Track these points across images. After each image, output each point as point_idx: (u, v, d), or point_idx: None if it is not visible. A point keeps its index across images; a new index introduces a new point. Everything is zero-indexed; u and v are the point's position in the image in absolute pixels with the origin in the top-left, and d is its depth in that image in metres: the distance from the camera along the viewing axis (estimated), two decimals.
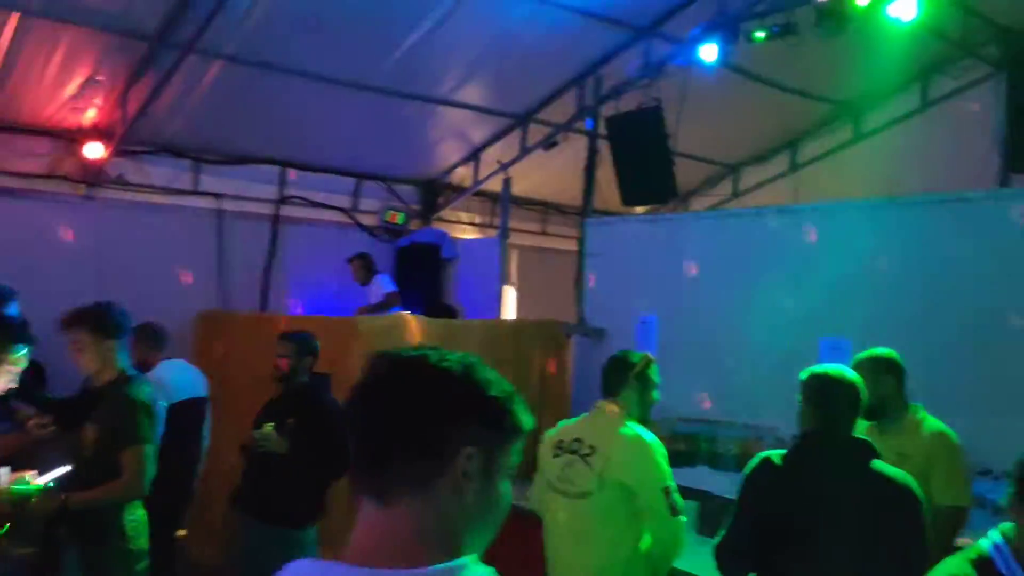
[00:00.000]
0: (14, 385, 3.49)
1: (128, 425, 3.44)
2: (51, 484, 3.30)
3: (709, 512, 4.41)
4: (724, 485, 4.70)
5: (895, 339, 4.78)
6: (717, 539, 2.89)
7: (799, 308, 5.43)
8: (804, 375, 2.79)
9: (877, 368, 3.45)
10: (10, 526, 3.25)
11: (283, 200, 7.54)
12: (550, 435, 3.53)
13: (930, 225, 4.95)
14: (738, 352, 5.68)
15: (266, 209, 7.48)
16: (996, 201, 4.80)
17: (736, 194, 9.32)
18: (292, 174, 7.52)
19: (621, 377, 3.37)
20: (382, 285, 7.38)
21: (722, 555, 2.84)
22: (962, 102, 7.56)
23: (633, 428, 3.28)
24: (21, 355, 3.51)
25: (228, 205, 7.22)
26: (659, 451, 3.24)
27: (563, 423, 3.57)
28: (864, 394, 2.75)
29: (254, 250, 7.41)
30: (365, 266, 7.54)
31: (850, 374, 2.78)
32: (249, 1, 5.37)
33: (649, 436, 3.27)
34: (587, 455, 3.27)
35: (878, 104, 8.16)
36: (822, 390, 2.72)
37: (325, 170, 7.68)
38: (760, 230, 5.88)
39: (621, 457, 3.21)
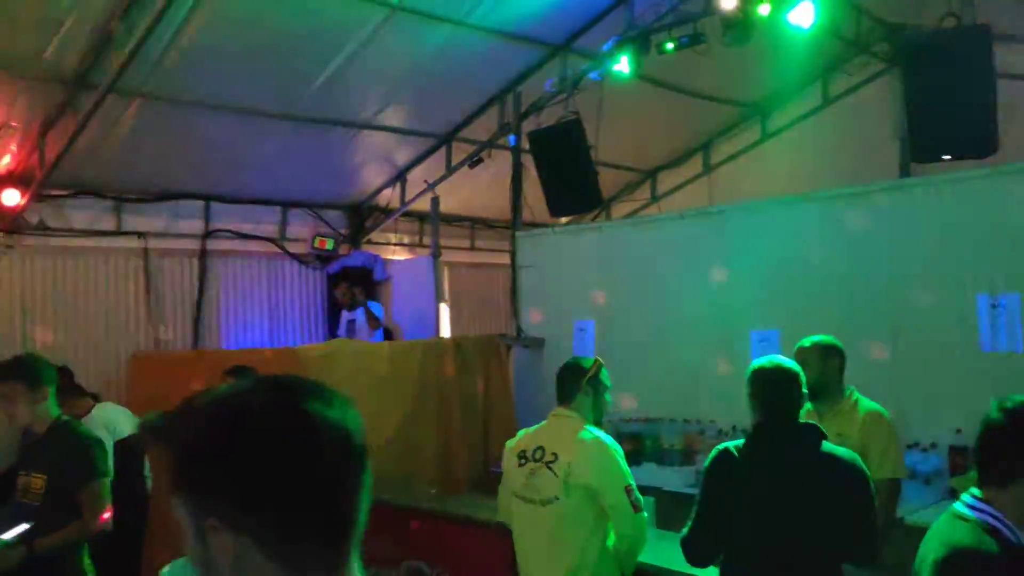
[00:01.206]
0: None
1: (83, 462, 3.44)
2: (14, 540, 3.25)
3: (663, 507, 4.56)
4: (673, 479, 4.87)
5: (818, 326, 5.08)
6: (684, 532, 3.04)
7: (727, 304, 5.68)
8: (750, 370, 2.95)
9: (823, 353, 3.64)
10: None
11: (209, 234, 7.46)
12: (511, 445, 3.63)
13: (842, 217, 5.26)
14: (673, 350, 5.89)
15: (192, 244, 7.40)
16: (901, 191, 5.13)
17: (655, 198, 9.61)
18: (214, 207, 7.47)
19: (575, 383, 3.50)
20: (374, 311, 7.54)
21: (689, 545, 2.98)
22: (860, 98, 8.00)
23: (591, 432, 3.41)
24: None
25: (153, 243, 7.11)
26: (618, 452, 3.38)
27: (522, 432, 3.67)
28: (805, 381, 2.94)
29: (183, 286, 7.32)
30: (351, 293, 7.65)
31: (792, 364, 2.96)
32: (167, 39, 5.34)
33: (607, 438, 3.41)
34: (550, 462, 3.38)
35: (783, 104, 8.56)
36: (771, 382, 2.88)
37: (250, 201, 7.64)
38: (684, 232, 6.13)
39: (583, 461, 3.33)
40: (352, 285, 7.66)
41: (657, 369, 5.94)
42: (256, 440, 0.96)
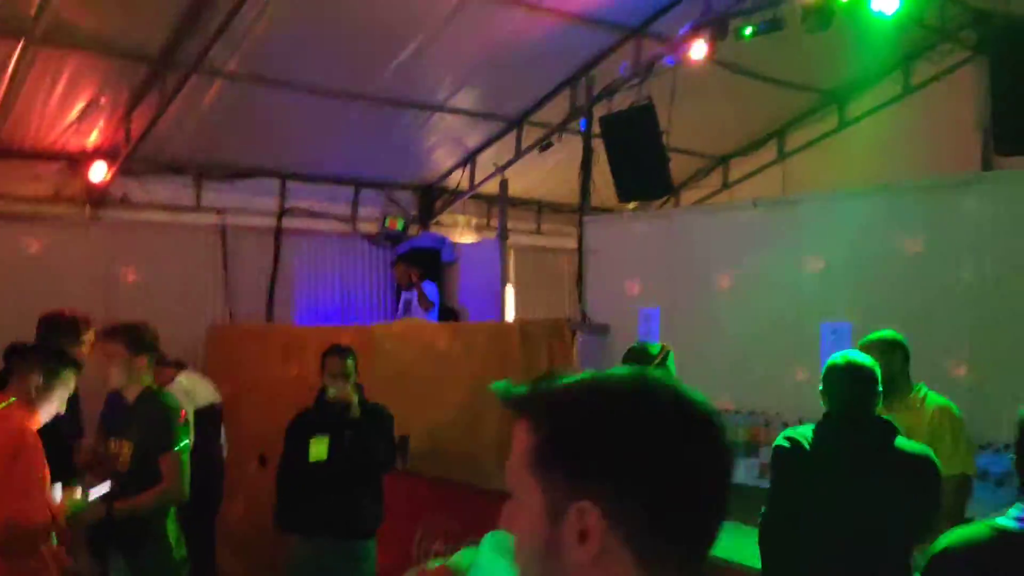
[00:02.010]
0: (63, 410, 3.61)
1: (164, 432, 3.59)
2: (95, 499, 3.42)
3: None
4: (737, 472, 4.85)
5: (891, 321, 4.98)
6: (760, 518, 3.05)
7: (797, 296, 5.60)
8: (826, 365, 2.94)
9: (886, 348, 3.61)
10: (60, 539, 3.38)
11: (284, 212, 7.65)
12: None
13: (919, 211, 5.13)
14: (740, 341, 5.83)
15: (268, 222, 7.59)
16: (982, 183, 4.98)
17: (726, 185, 9.48)
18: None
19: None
20: (428, 291, 7.56)
21: (764, 532, 3.00)
22: (942, 87, 7.74)
23: None
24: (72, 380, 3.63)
25: (231, 220, 7.32)
26: None
27: None
28: (880, 377, 2.91)
29: (258, 263, 7.52)
30: (409, 271, 7.69)
31: (869, 360, 2.94)
32: (250, 20, 5.48)
33: None
34: None
35: (862, 92, 8.34)
36: (847, 376, 2.87)
37: (324, 180, 7.80)
38: (755, 221, 6.05)
39: None
40: (409, 265, 7.70)
41: (722, 360, 5.89)
42: (648, 423, 0.93)
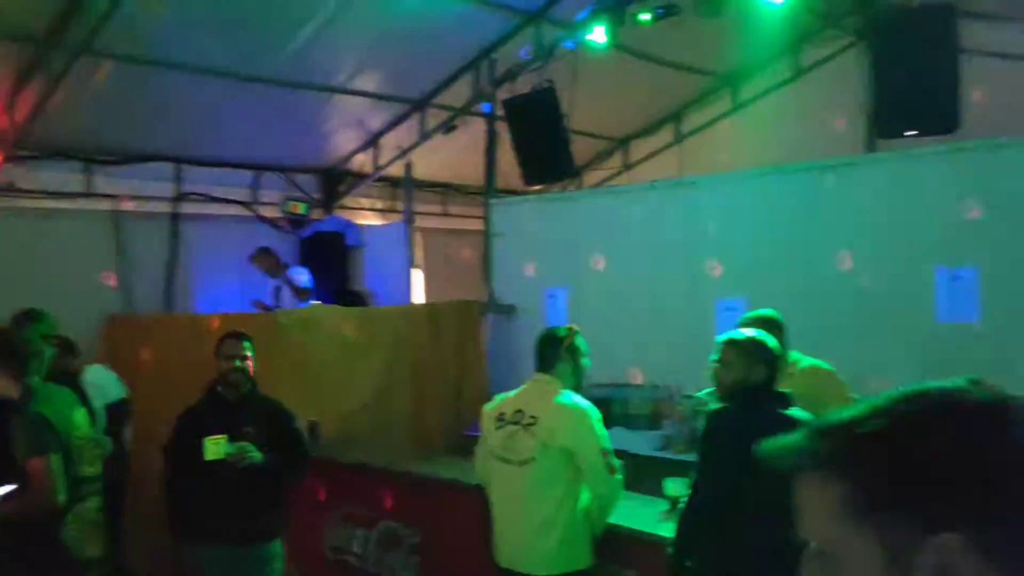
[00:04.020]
0: None
1: (27, 439, 3.44)
2: None
3: (630, 470, 4.72)
4: (640, 443, 5.03)
5: (782, 297, 5.23)
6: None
7: (694, 273, 5.82)
8: (721, 339, 3.08)
9: (763, 325, 3.83)
10: None
11: (181, 197, 7.43)
12: (490, 408, 3.76)
13: (807, 190, 5.40)
14: (641, 317, 6.04)
15: (164, 207, 7.37)
16: (864, 165, 5.27)
17: (627, 166, 9.70)
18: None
19: (553, 351, 3.63)
20: (294, 278, 7.37)
21: (688, 508, 3.16)
22: (829, 71, 8.10)
23: (569, 396, 3.57)
24: None
25: (125, 206, 7.07)
26: (595, 416, 3.54)
27: (500, 396, 3.80)
28: (767, 347, 3.07)
29: (155, 250, 7.30)
30: (271, 259, 7.50)
31: (762, 334, 3.10)
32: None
33: (585, 403, 3.56)
34: (529, 424, 3.52)
35: (754, 75, 8.65)
36: (734, 349, 3.02)
37: (223, 164, 7.61)
38: (653, 201, 6.24)
39: (561, 424, 3.48)
40: (267, 254, 7.38)
41: (626, 336, 6.08)
42: (1008, 437, 0.83)
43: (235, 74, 6.46)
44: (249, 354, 4.09)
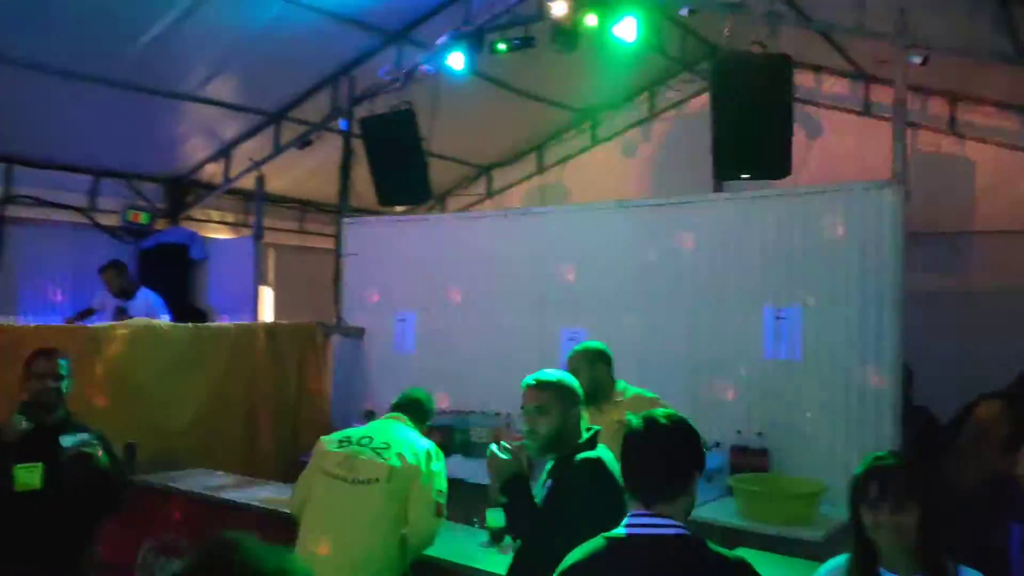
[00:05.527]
0: None
1: None
2: None
3: (464, 498, 4.65)
4: (478, 472, 4.97)
5: (622, 328, 5.34)
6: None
7: (540, 302, 5.87)
8: (531, 380, 2.97)
9: (591, 358, 3.94)
10: None
11: (9, 199, 6.92)
12: (332, 437, 3.69)
13: (651, 227, 5.55)
14: (487, 345, 6.03)
15: None
16: (703, 204, 5.47)
17: (490, 194, 9.75)
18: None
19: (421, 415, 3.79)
20: (152, 304, 6.81)
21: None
22: (683, 113, 8.43)
23: (421, 437, 3.65)
24: None
25: None
26: (441, 459, 3.59)
27: (346, 432, 3.73)
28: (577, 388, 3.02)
29: None
30: (123, 278, 6.94)
31: (571, 378, 3.04)
32: None
33: (433, 445, 3.60)
34: (379, 449, 3.48)
35: (613, 112, 8.88)
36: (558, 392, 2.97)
37: (59, 167, 7.14)
38: (506, 229, 6.27)
39: (412, 456, 3.48)
40: (120, 272, 6.91)
41: (471, 362, 6.06)
42: None
43: (74, 73, 6.08)
44: (63, 373, 3.69)
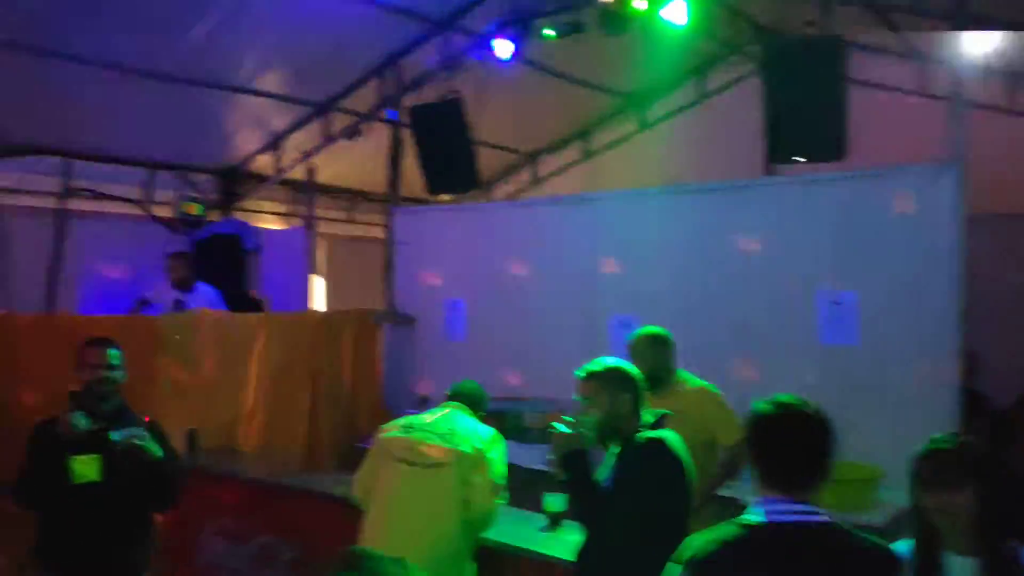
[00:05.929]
0: None
1: None
2: None
3: (516, 483, 4.69)
4: (530, 457, 4.99)
5: (674, 314, 5.30)
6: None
7: (592, 288, 5.85)
8: (581, 372, 3.04)
9: (652, 344, 3.94)
10: None
11: (68, 192, 7.10)
12: (395, 422, 3.82)
13: (703, 211, 5.50)
14: (539, 331, 6.03)
15: (49, 203, 7.01)
16: (757, 188, 5.40)
17: (536, 181, 9.73)
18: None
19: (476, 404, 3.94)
20: (211, 298, 6.89)
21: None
22: (732, 96, 8.30)
23: (479, 423, 3.79)
24: None
25: (5, 199, 6.71)
26: (503, 447, 3.72)
27: (408, 419, 3.83)
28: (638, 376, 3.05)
29: (38, 247, 6.93)
30: (187, 266, 7.06)
31: (623, 364, 3.08)
32: None
33: (494, 431, 3.76)
34: (445, 435, 3.58)
35: (660, 97, 8.79)
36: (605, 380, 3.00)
37: (115, 160, 7.30)
38: (556, 216, 6.26)
39: (477, 442, 3.60)
40: (188, 264, 6.98)
41: (523, 349, 6.07)
42: None
43: (127, 67, 6.21)
44: (115, 363, 3.66)
